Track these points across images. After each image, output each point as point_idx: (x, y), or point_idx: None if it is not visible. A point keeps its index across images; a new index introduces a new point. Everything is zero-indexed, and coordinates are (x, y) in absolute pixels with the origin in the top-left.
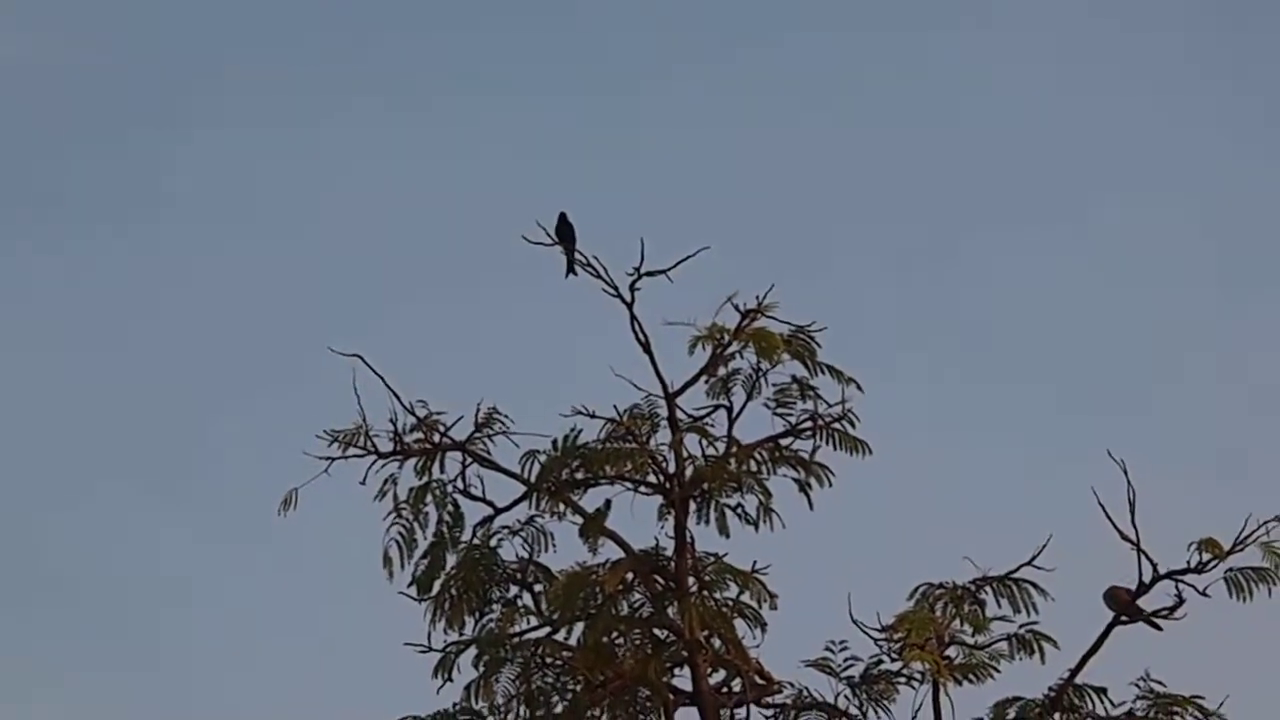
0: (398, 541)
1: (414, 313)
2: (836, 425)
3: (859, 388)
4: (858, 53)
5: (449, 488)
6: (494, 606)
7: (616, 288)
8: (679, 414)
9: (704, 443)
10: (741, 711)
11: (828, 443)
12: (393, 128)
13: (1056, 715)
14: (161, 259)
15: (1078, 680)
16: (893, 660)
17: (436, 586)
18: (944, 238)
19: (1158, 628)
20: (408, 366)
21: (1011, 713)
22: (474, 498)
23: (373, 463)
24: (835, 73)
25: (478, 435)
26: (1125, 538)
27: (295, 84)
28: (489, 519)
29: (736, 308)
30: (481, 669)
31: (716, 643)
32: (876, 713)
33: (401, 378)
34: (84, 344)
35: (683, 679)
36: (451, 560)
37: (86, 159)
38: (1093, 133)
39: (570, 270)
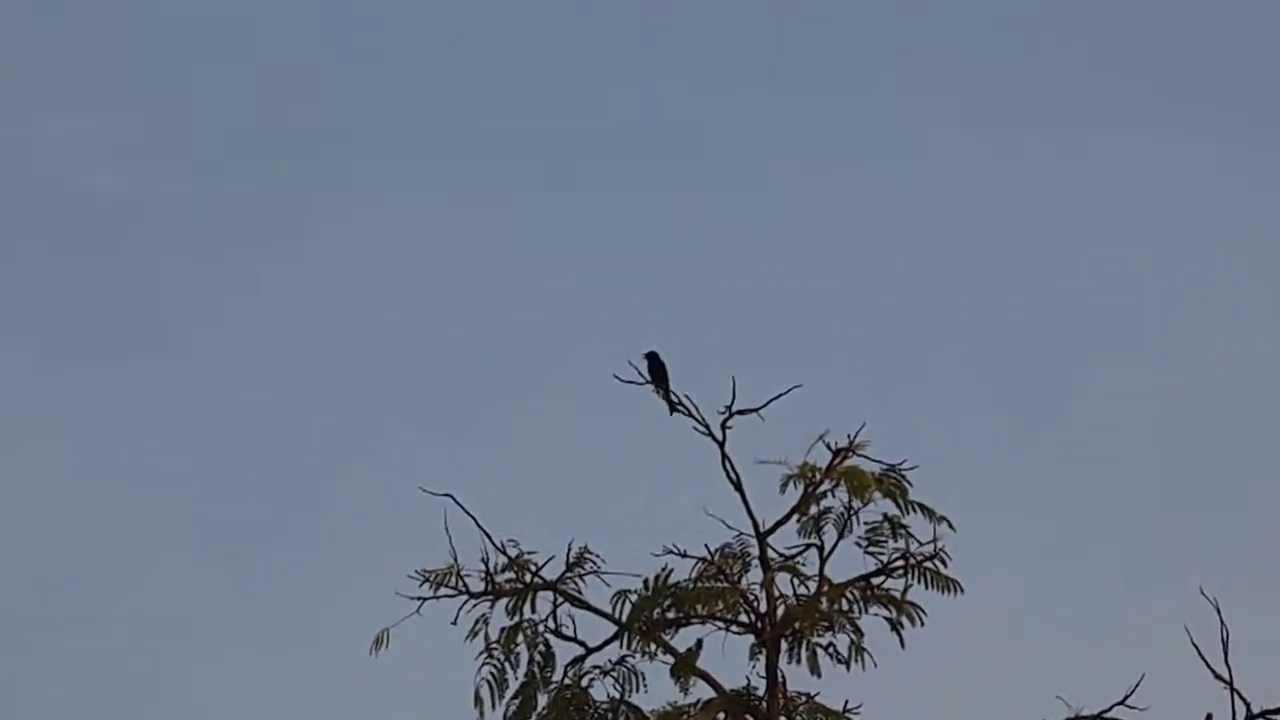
0: (489, 681)
1: (503, 449)
2: (928, 564)
3: (951, 526)
4: (954, 179)
5: (540, 627)
6: None
7: (708, 426)
8: (770, 553)
9: (795, 582)
10: None
11: (919, 581)
12: (480, 253)
13: None
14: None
15: None
16: None
17: None
18: (1041, 371)
19: None
20: (498, 504)
21: None
22: (565, 637)
23: (464, 602)
24: (928, 206)
25: (569, 575)
26: (1218, 677)
27: (375, 193)
28: (580, 659)
29: (828, 446)
30: None
31: None
32: None
33: (491, 516)
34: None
35: None
36: (543, 700)
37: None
38: (1201, 266)
39: (672, 410)
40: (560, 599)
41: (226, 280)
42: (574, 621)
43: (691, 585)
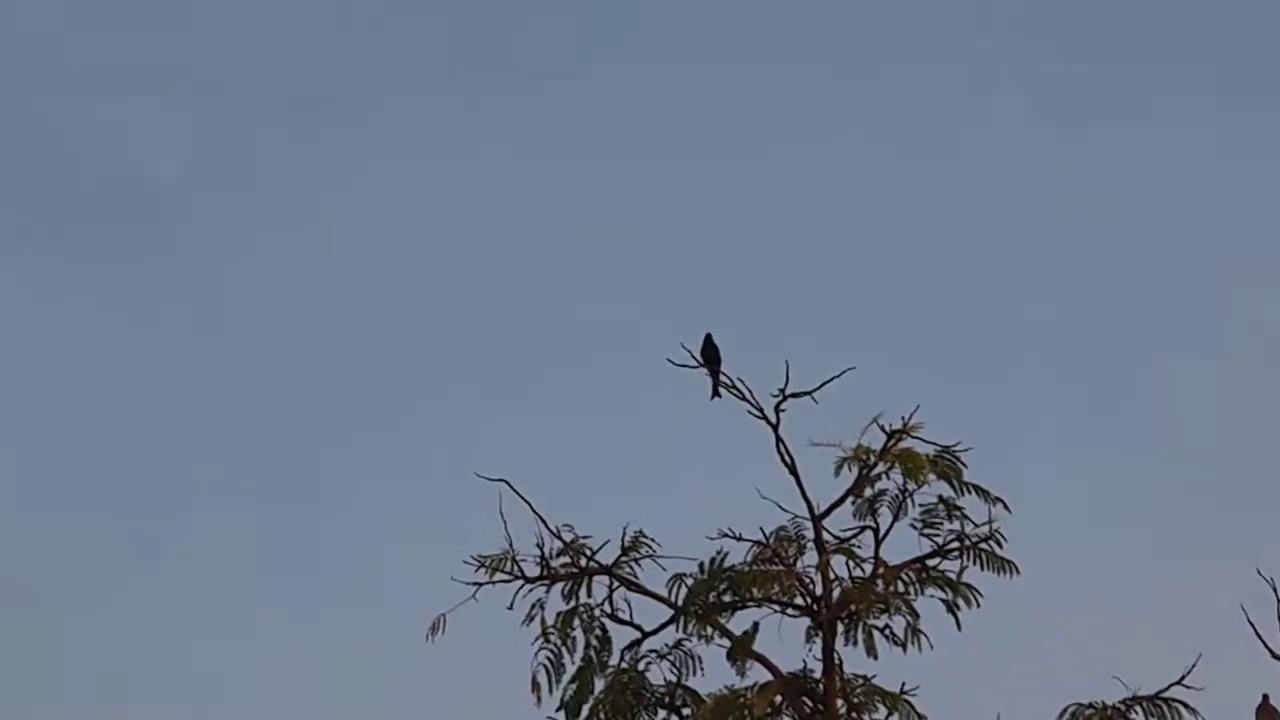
0: (546, 666)
1: (558, 433)
2: (984, 545)
3: (1006, 507)
4: (1016, 164)
5: (596, 611)
6: None
7: (762, 410)
8: (825, 536)
9: (851, 564)
10: None
11: (975, 563)
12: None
13: None
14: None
15: None
16: None
17: (585, 711)
18: (1106, 355)
19: None
20: (553, 489)
21: None
22: (621, 621)
23: (520, 587)
24: (997, 182)
25: (624, 559)
26: (1275, 655)
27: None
28: (637, 643)
29: (882, 428)
30: None
31: None
32: None
33: (546, 500)
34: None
35: None
36: (600, 684)
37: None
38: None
39: (715, 393)
40: (616, 583)
41: (275, 253)
42: (630, 605)
43: (747, 568)
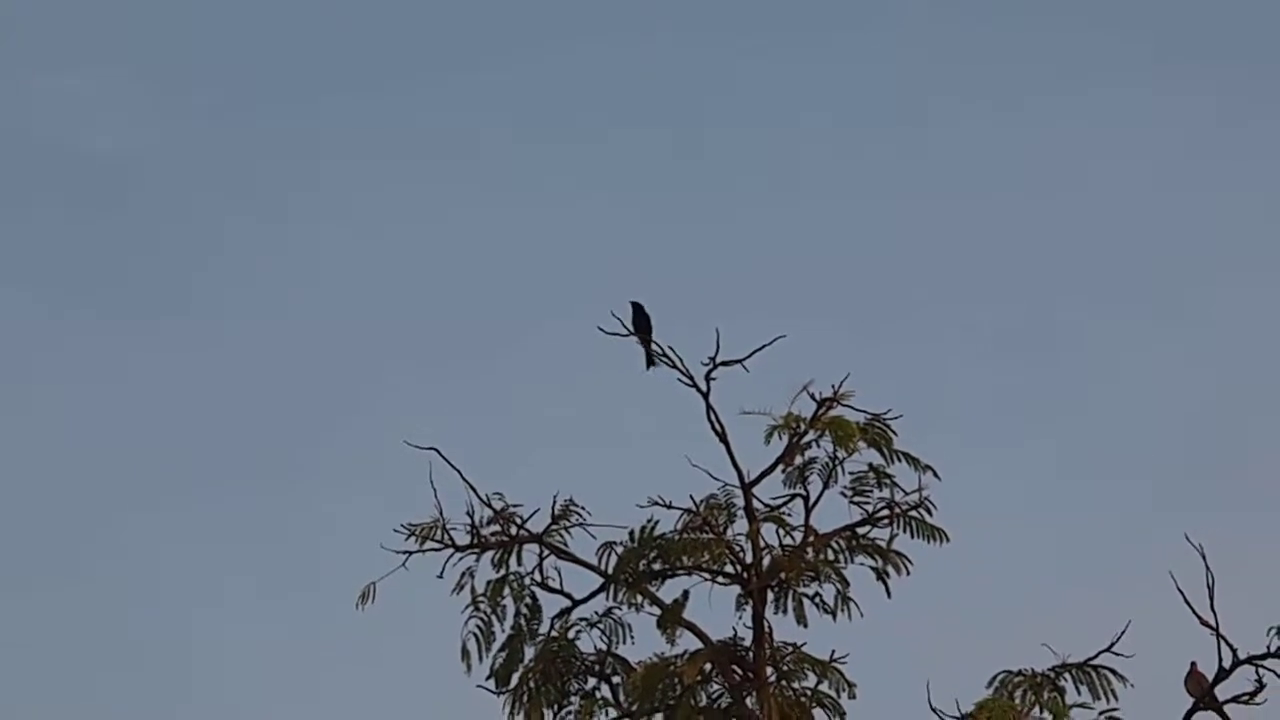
0: (476, 634)
1: (489, 403)
2: (914, 513)
3: (936, 475)
4: (949, 128)
5: (526, 580)
6: (573, 698)
7: (692, 378)
8: (756, 504)
9: (781, 532)
10: None
11: (905, 531)
12: (468, 215)
13: None
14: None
15: None
16: None
17: (515, 679)
18: (1040, 321)
19: (1227, 718)
20: (483, 458)
21: None
22: (551, 590)
23: (450, 556)
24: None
25: (554, 527)
26: (1204, 623)
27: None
28: (567, 611)
29: (812, 396)
30: None
31: None
32: None
33: (477, 469)
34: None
35: None
36: (530, 652)
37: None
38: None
39: (649, 363)
40: (546, 552)
41: (218, 233)
42: (560, 574)
43: (677, 537)
